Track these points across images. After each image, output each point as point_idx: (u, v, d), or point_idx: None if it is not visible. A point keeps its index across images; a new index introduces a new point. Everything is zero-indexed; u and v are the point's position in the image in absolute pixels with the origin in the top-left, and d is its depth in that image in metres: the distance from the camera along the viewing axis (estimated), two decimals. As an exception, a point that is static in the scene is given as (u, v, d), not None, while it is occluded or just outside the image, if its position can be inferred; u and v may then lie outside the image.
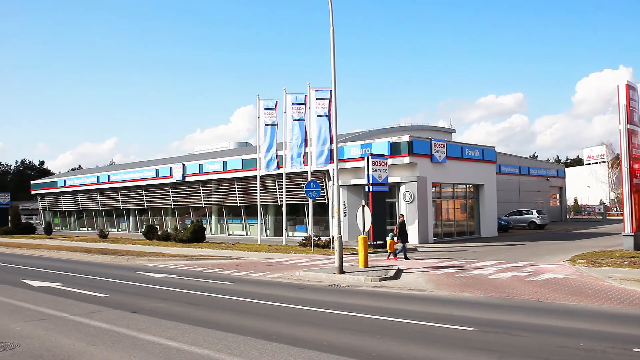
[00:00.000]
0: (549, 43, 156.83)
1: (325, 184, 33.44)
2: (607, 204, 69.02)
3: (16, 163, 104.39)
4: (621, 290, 13.57)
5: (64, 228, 60.99)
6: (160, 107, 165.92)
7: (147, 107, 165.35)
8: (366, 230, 19.64)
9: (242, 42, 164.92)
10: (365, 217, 19.53)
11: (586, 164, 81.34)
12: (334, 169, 19.80)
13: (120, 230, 53.51)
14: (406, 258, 21.93)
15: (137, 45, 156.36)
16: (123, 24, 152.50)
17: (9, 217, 55.35)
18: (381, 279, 16.31)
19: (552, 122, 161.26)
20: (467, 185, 34.98)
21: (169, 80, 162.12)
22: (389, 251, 22.01)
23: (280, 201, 34.53)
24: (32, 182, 67.13)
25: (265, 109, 31.18)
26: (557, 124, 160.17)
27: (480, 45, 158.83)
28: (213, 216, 44.26)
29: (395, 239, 22.29)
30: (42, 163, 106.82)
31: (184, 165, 43.61)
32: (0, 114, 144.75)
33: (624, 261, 18.26)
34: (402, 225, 22.74)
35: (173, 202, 45.87)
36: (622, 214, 21.81)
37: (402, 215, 23.85)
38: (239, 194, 39.89)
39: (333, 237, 21.41)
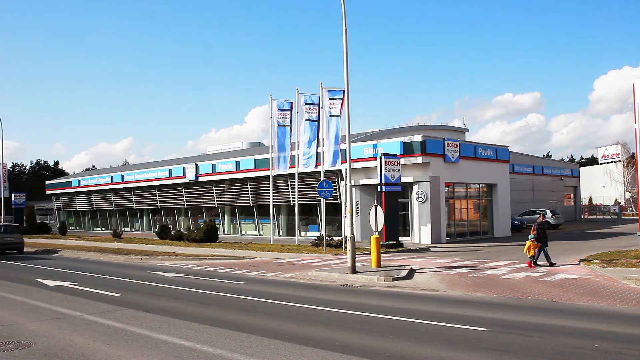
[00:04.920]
0: (568, 40, 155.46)
1: (338, 183, 33.43)
2: (622, 203, 68.28)
3: (31, 163, 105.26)
4: (637, 290, 13.43)
5: (78, 228, 61.49)
6: (176, 107, 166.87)
7: (162, 108, 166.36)
8: (379, 230, 19.60)
9: (257, 41, 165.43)
10: (377, 217, 19.50)
11: (601, 163, 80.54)
12: (346, 169, 19.80)
13: (133, 230, 53.86)
14: (551, 263, 18.74)
15: (153, 45, 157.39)
16: (139, 23, 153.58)
17: (25, 216, 55.96)
18: (394, 279, 16.28)
19: (569, 121, 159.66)
20: (481, 185, 34.78)
21: (185, 80, 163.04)
22: (529, 255, 18.85)
23: (293, 201, 34.57)
24: (47, 182, 67.76)
25: (278, 109, 31.23)
26: (574, 122, 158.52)
27: (498, 44, 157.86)
28: (226, 216, 44.41)
29: (535, 241, 18.95)
30: (56, 163, 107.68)
31: (196, 165, 43.77)
32: (17, 115, 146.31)
33: (640, 261, 18.07)
34: (542, 226, 19.45)
35: (186, 202, 46.07)
36: (638, 214, 21.58)
37: (543, 215, 20.86)
38: (251, 194, 39.97)
39: (345, 237, 21.41)
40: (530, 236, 19.05)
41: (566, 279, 15.59)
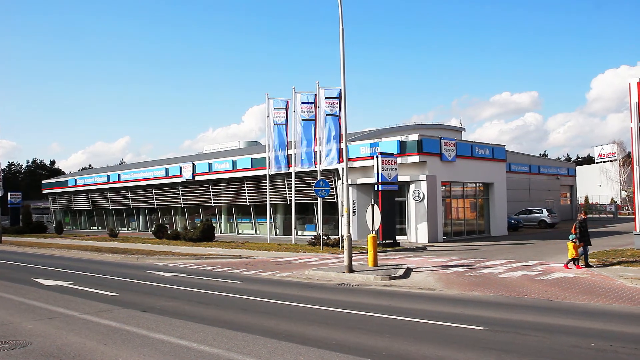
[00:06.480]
0: (566, 40, 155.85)
1: (335, 183, 33.42)
2: (618, 202, 68.48)
3: (27, 163, 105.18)
4: (632, 289, 13.47)
5: (74, 227, 61.34)
6: (173, 106, 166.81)
7: (160, 107, 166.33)
8: (375, 229, 19.60)
9: (255, 41, 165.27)
10: (374, 216, 19.50)
11: (597, 163, 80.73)
12: (343, 168, 19.79)
13: (130, 229, 53.76)
14: (587, 265, 17.56)
15: (151, 44, 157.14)
16: (137, 23, 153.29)
17: (21, 216, 55.82)
18: (390, 278, 16.29)
19: (566, 120, 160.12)
20: (477, 184, 34.84)
21: (182, 80, 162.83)
22: (571, 257, 17.58)
23: (290, 200, 34.57)
24: (43, 181, 67.58)
25: (275, 108, 31.22)
26: (571, 121, 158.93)
27: (496, 43, 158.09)
28: (222, 215, 44.37)
29: (577, 241, 17.58)
30: (52, 162, 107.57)
31: (193, 164, 43.73)
32: (15, 115, 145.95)
33: (635, 260, 18.12)
34: (584, 224, 18.07)
35: (183, 201, 46.01)
36: (634, 213, 21.64)
37: (585, 212, 19.46)
38: (248, 193, 39.95)
39: (342, 236, 21.39)
40: (571, 236, 17.65)
41: (562, 278, 15.61)
